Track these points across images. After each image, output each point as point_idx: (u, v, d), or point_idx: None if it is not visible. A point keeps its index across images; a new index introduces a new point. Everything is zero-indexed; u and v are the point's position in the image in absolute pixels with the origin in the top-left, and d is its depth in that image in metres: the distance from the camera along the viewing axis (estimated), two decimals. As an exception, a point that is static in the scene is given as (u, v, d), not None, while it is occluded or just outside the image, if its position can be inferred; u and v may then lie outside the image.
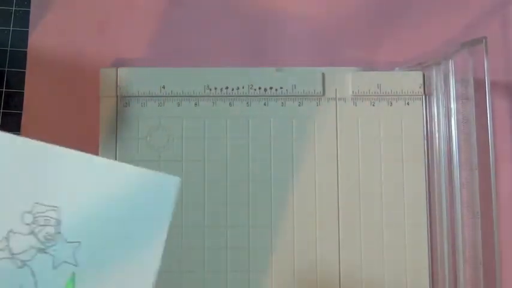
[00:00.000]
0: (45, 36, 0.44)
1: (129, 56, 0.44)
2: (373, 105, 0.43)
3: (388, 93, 0.43)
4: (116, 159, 0.42)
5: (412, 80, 0.43)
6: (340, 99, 0.43)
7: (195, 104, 0.42)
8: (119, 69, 0.42)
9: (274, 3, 0.45)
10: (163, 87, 0.42)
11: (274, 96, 0.43)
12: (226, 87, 0.42)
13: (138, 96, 0.42)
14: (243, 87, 0.42)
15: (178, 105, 0.42)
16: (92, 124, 0.43)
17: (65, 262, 0.30)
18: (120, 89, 0.42)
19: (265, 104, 0.42)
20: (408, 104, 0.43)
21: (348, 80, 0.43)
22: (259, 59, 0.44)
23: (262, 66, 0.43)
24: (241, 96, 0.42)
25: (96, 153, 0.42)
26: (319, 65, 0.43)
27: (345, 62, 0.44)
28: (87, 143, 0.43)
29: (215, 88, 0.42)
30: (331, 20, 0.45)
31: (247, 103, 0.43)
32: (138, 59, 0.44)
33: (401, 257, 0.41)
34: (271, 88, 0.43)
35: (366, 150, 0.42)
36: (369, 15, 0.45)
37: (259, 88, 0.42)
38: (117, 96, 0.42)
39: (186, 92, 0.42)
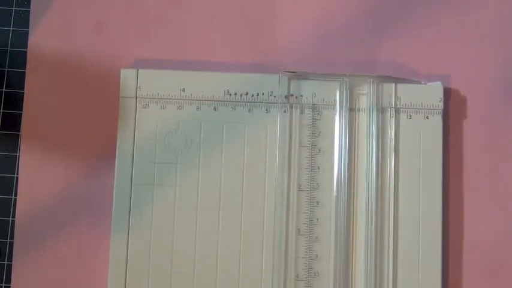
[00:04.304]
0: (45, 36, 0.44)
1: (129, 55, 0.44)
2: (392, 117, 0.42)
3: (408, 105, 0.43)
4: (133, 161, 0.42)
5: (432, 94, 0.43)
6: (359, 109, 0.43)
7: (214, 109, 0.42)
8: (139, 71, 0.42)
9: (284, 6, 0.45)
10: (183, 90, 0.42)
11: (293, 104, 0.42)
12: (246, 93, 0.42)
13: (158, 98, 0.42)
14: (262, 94, 0.42)
15: (198, 109, 0.42)
16: (92, 123, 0.43)
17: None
18: (140, 90, 0.42)
19: (285, 111, 0.42)
20: (427, 117, 0.43)
21: (368, 90, 0.42)
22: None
23: (281, 73, 0.43)
24: (261, 102, 0.42)
25: (94, 147, 0.42)
26: (339, 74, 0.43)
27: (364, 71, 0.44)
28: (87, 143, 0.43)
29: (235, 93, 0.42)
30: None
31: (267, 110, 0.42)
32: (138, 59, 0.44)
33: (415, 275, 0.41)
34: (291, 95, 0.42)
35: (383, 162, 0.42)
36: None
37: (279, 95, 0.42)
38: (136, 98, 0.42)
39: (206, 96, 0.42)
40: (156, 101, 0.42)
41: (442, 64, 0.44)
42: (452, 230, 0.43)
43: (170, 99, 0.42)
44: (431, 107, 0.43)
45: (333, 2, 0.45)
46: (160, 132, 0.42)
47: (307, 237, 0.41)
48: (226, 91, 0.42)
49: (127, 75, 0.42)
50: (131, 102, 0.42)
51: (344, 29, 0.45)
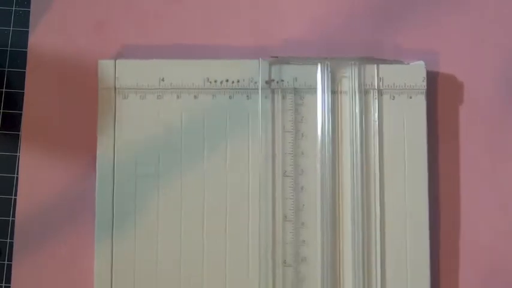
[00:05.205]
0: (45, 36, 0.44)
1: (129, 55, 0.44)
2: (375, 98, 0.42)
3: (391, 86, 0.42)
4: (114, 151, 0.41)
5: (415, 74, 0.42)
6: (342, 92, 0.42)
7: (195, 97, 0.42)
8: (117, 61, 0.42)
9: (285, 4, 0.45)
10: (163, 79, 0.42)
11: (275, 89, 0.42)
12: (227, 80, 0.42)
13: (137, 88, 0.42)
14: (243, 80, 0.42)
15: (178, 97, 0.42)
16: (92, 123, 0.42)
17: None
18: (119, 80, 0.42)
19: (266, 97, 0.42)
20: (411, 97, 0.42)
21: (350, 72, 0.42)
22: (259, 51, 0.43)
23: (262, 58, 0.42)
24: (242, 89, 0.42)
25: (94, 147, 0.42)
26: (321, 57, 0.42)
27: (347, 54, 0.43)
28: (87, 142, 0.42)
29: (215, 81, 0.42)
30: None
31: (248, 96, 0.42)
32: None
33: (403, 256, 0.41)
34: (272, 81, 0.42)
35: (368, 144, 0.42)
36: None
37: (260, 81, 0.42)
38: (115, 88, 0.42)
39: (186, 84, 0.42)
40: (135, 91, 0.42)
41: (442, 64, 0.44)
42: (453, 229, 0.43)
43: (149, 89, 0.42)
44: (415, 87, 0.42)
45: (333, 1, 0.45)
46: (141, 122, 0.42)
47: (293, 223, 0.41)
48: (206, 79, 0.42)
49: (105, 66, 0.42)
50: (110, 93, 0.42)
51: (344, 28, 0.44)
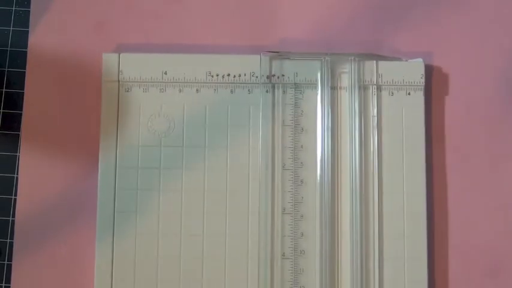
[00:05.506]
0: (45, 36, 0.44)
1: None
2: (374, 94, 0.43)
3: (390, 83, 0.43)
4: (116, 144, 0.42)
5: (413, 71, 0.43)
6: (341, 88, 0.43)
7: (197, 91, 0.42)
8: (121, 55, 0.42)
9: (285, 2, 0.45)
10: (165, 73, 0.42)
11: (275, 83, 0.43)
12: (228, 74, 0.42)
13: (140, 81, 0.42)
14: (244, 75, 0.43)
15: (180, 91, 0.42)
16: (92, 123, 0.43)
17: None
18: (122, 74, 0.42)
19: (267, 91, 0.42)
20: (409, 94, 0.43)
21: (349, 68, 0.43)
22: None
23: (263, 53, 0.43)
24: (243, 83, 0.43)
25: (96, 144, 0.42)
26: (321, 53, 0.43)
27: (346, 51, 0.44)
28: (87, 142, 0.43)
29: (217, 75, 0.42)
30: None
31: (249, 90, 0.43)
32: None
33: (400, 247, 0.41)
34: (273, 75, 0.43)
35: (366, 140, 0.42)
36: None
37: (261, 76, 0.42)
38: (119, 81, 0.42)
39: (188, 78, 0.42)
40: (138, 84, 0.42)
41: (442, 64, 0.44)
42: (452, 229, 0.43)
43: (152, 82, 0.42)
44: (413, 83, 0.43)
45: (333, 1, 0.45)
46: (143, 115, 0.42)
47: (292, 216, 0.42)
48: (208, 73, 0.42)
49: (109, 60, 0.42)
50: (114, 86, 0.42)
51: (344, 28, 0.45)
